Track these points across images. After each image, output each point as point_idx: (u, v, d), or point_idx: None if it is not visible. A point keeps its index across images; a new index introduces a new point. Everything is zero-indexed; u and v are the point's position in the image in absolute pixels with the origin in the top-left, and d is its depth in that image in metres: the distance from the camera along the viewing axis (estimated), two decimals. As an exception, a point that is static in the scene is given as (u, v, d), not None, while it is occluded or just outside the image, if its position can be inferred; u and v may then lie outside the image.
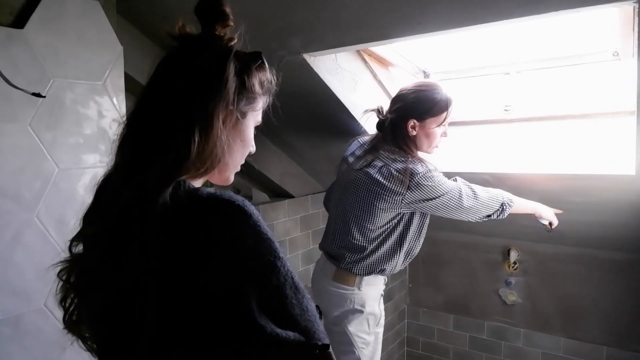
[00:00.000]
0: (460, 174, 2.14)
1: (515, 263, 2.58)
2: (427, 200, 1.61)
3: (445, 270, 2.88)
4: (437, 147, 1.74)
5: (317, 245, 2.85)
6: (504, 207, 1.69)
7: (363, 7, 1.40)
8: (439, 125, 1.68)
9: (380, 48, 2.07)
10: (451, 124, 2.23)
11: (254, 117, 0.81)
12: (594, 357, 2.41)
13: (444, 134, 1.73)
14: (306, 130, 2.32)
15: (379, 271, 1.72)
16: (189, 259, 0.64)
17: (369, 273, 1.72)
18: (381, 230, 1.70)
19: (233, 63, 0.73)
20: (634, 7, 1.12)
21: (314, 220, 2.81)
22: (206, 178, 0.78)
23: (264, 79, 0.80)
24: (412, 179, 1.58)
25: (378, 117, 1.76)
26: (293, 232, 2.66)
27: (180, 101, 0.70)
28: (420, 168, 1.61)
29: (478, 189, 1.68)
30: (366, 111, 1.80)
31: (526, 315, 2.61)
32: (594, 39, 1.82)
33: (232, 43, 0.76)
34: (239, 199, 0.68)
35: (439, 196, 1.60)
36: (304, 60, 1.75)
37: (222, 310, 0.64)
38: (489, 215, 1.69)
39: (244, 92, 0.76)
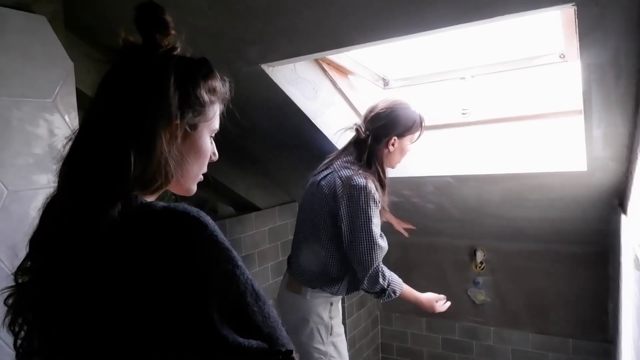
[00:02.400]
0: (423, 178, 2.18)
1: (482, 263, 2.63)
2: (349, 214, 1.60)
3: (415, 274, 2.90)
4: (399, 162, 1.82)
5: (287, 257, 2.84)
6: (382, 294, 1.68)
7: (318, 16, 1.41)
8: (412, 142, 1.77)
9: (339, 57, 2.09)
10: (412, 129, 2.28)
11: (208, 127, 0.78)
12: (562, 350, 2.47)
13: (409, 149, 1.80)
14: (269, 141, 2.31)
15: (321, 288, 1.72)
16: (147, 276, 0.63)
17: (314, 287, 1.72)
18: (325, 244, 1.70)
19: (173, 76, 0.70)
20: (574, 9, 1.16)
21: (283, 232, 2.79)
22: (161, 192, 0.76)
23: (213, 86, 0.77)
24: (352, 188, 1.60)
25: (359, 134, 1.76)
26: (262, 245, 2.63)
27: (118, 120, 0.68)
28: (363, 181, 1.61)
29: (384, 269, 1.66)
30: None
31: (495, 314, 2.66)
32: (543, 42, 1.90)
33: (175, 52, 0.74)
34: (193, 210, 0.67)
35: (357, 224, 1.60)
36: (263, 70, 1.75)
37: (183, 323, 0.62)
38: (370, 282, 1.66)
39: (190, 103, 0.73)
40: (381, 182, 1.70)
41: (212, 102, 0.77)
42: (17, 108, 1.19)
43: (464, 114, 2.18)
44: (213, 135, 0.81)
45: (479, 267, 2.65)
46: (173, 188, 0.78)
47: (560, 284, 2.43)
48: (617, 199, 1.88)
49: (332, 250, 1.69)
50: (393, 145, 1.71)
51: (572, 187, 1.90)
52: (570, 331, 2.44)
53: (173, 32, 0.73)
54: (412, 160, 2.21)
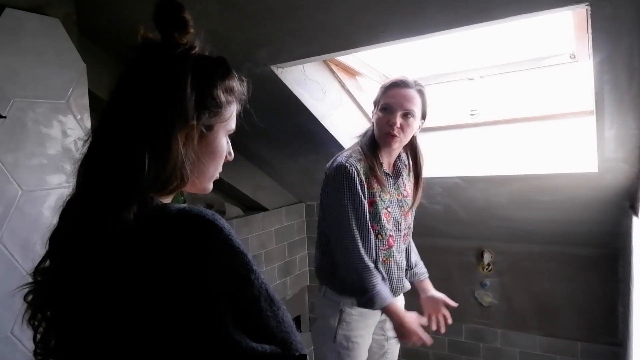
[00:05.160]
0: (431, 179, 2.18)
1: (489, 265, 2.62)
2: (326, 197, 1.56)
3: (422, 276, 2.89)
4: (388, 134, 1.55)
5: (293, 258, 2.86)
6: (366, 295, 1.50)
7: (327, 18, 1.41)
8: (380, 110, 1.57)
9: (347, 58, 2.09)
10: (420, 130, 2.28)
11: (224, 127, 0.77)
12: (570, 353, 2.45)
13: (391, 121, 1.53)
14: (277, 142, 2.32)
15: (326, 284, 1.65)
16: (161, 279, 0.63)
17: (321, 281, 1.68)
18: (319, 234, 1.67)
19: (190, 76, 0.70)
20: (586, 9, 1.16)
21: (289, 233, 2.80)
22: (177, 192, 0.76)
23: (230, 86, 0.76)
24: (329, 170, 1.56)
25: None
26: (268, 245, 2.64)
27: (134, 122, 0.68)
28: (341, 160, 1.54)
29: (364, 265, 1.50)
30: None
31: (502, 316, 2.64)
32: (553, 42, 1.89)
33: (193, 52, 0.73)
34: (208, 213, 0.66)
35: (330, 203, 1.55)
36: (272, 72, 1.75)
37: (196, 327, 0.62)
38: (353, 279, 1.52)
39: (207, 104, 0.72)
40: (372, 162, 1.56)
41: (228, 103, 0.76)
42: (32, 109, 1.20)
43: (472, 114, 2.18)
44: (229, 135, 0.80)
45: (486, 268, 2.63)
46: (189, 188, 0.77)
47: (569, 287, 2.42)
48: (628, 201, 1.86)
49: (322, 240, 1.65)
50: (373, 118, 1.62)
51: (582, 188, 1.89)
52: (578, 334, 2.42)
53: (192, 30, 0.72)
54: (421, 162, 2.21)
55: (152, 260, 0.63)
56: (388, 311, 1.52)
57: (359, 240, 1.51)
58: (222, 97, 0.74)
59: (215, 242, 0.64)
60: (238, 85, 0.78)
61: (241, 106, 0.81)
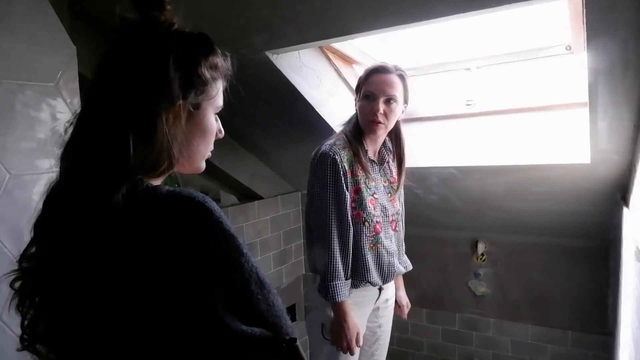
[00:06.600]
0: (427, 169, 2.18)
1: (483, 255, 2.63)
2: (309, 185, 1.59)
3: (417, 266, 2.88)
4: (372, 121, 1.56)
5: (289, 246, 2.87)
6: (324, 283, 1.53)
7: (323, 3, 1.40)
8: (363, 98, 1.58)
9: (344, 45, 2.07)
10: (415, 119, 2.27)
11: (212, 105, 0.76)
12: (560, 342, 2.48)
13: (374, 108, 1.54)
14: (273, 130, 2.31)
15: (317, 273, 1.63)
16: (151, 262, 0.62)
17: (312, 270, 1.67)
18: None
19: (173, 55, 0.68)
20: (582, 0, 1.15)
21: (285, 221, 2.80)
22: (167, 174, 0.75)
23: (215, 63, 0.75)
24: (313, 158, 1.59)
25: None
26: (264, 234, 2.64)
27: (118, 104, 0.67)
28: (323, 148, 1.56)
29: (336, 256, 1.53)
30: None
31: (496, 305, 2.66)
32: (549, 33, 1.88)
33: (173, 29, 0.71)
34: (199, 195, 0.66)
35: (311, 191, 1.58)
36: (267, 58, 1.74)
37: (186, 310, 0.62)
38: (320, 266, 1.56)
39: (193, 83, 0.71)
40: (356, 149, 1.57)
41: (214, 80, 0.75)
42: (21, 92, 1.18)
43: (468, 105, 2.17)
44: (217, 112, 0.79)
45: (480, 258, 2.65)
46: (181, 168, 0.77)
47: (560, 277, 2.43)
48: (620, 192, 1.87)
49: (309, 230, 1.66)
50: (355, 105, 1.63)
51: (575, 180, 1.89)
52: (569, 324, 2.44)
53: (169, 7, 0.71)
54: (416, 151, 2.20)
55: (142, 243, 0.63)
56: (338, 308, 1.54)
57: (335, 231, 1.53)
58: (208, 74, 0.73)
59: (206, 225, 0.64)
60: (222, 61, 0.77)
61: (227, 82, 0.80)
